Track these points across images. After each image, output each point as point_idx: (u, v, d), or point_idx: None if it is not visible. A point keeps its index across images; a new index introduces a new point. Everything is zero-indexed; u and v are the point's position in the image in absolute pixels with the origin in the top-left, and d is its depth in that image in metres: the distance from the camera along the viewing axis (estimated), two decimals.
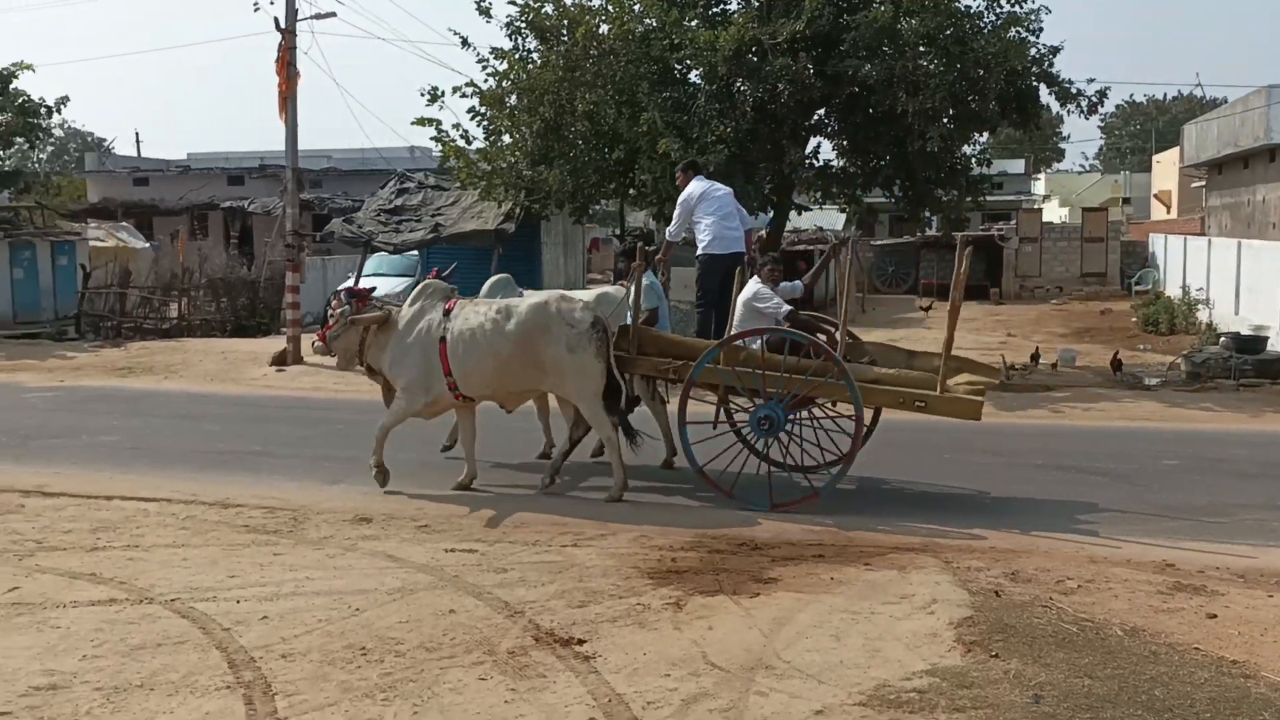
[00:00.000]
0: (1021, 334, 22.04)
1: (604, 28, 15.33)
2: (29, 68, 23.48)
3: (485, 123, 16.34)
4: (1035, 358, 16.82)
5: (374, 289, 9.73)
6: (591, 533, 7.51)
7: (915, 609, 5.75)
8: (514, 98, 16.06)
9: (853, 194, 16.74)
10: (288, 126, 17.48)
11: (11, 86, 23.35)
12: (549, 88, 15.33)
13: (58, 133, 60.62)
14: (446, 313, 8.64)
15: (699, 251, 9.94)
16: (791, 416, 8.40)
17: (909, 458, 9.92)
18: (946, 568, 6.53)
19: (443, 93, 16.18)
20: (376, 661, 5.08)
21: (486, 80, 16.16)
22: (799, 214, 18.17)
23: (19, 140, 25.87)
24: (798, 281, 9.43)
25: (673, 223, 10.13)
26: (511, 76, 15.88)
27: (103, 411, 13.09)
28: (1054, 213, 44.62)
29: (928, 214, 17.42)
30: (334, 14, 18.72)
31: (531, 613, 5.74)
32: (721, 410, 8.90)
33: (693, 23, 15.42)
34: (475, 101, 16.18)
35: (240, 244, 33.25)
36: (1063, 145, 69.11)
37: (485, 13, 16.18)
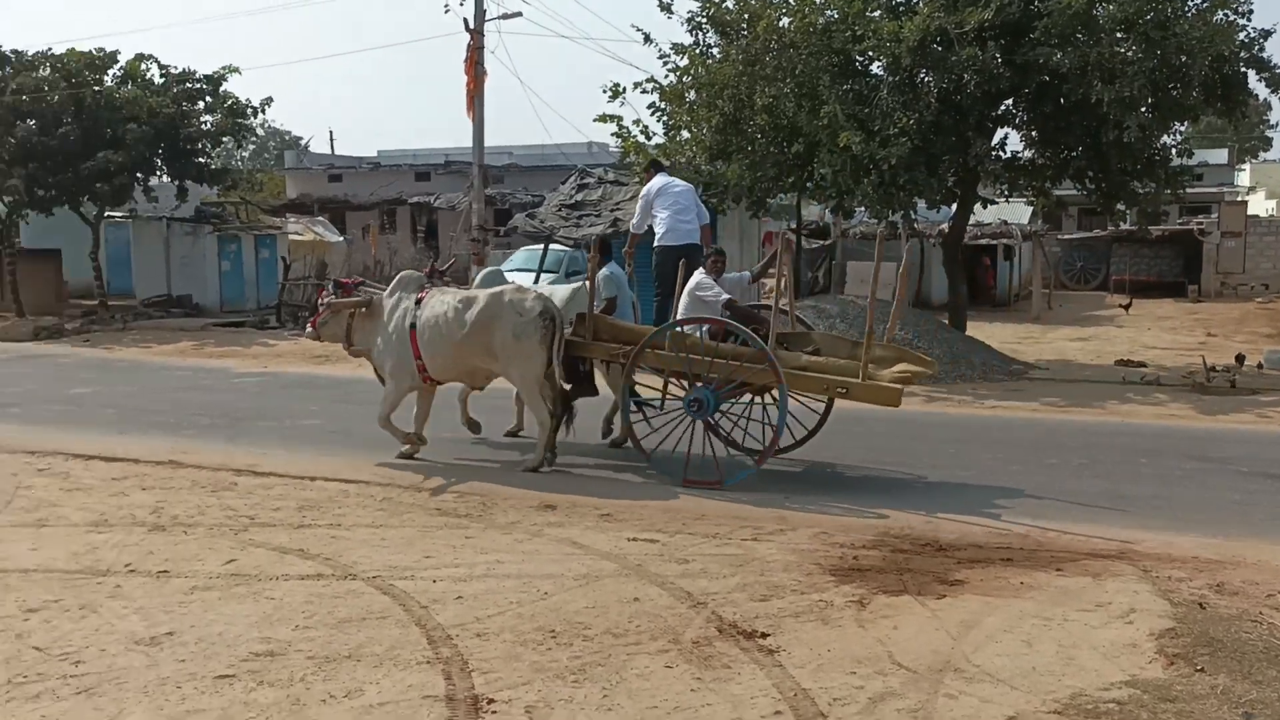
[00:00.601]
0: (1223, 334, 20.84)
1: (785, 21, 15.26)
2: (235, 71, 24.94)
3: (665, 118, 16.50)
4: (1240, 359, 15.90)
5: (361, 280, 10.61)
6: (771, 527, 7.52)
7: (1112, 618, 5.55)
8: (693, 93, 16.16)
9: (1041, 186, 16.19)
10: (475, 124, 18.07)
11: (221, 89, 24.82)
12: (729, 82, 15.36)
13: (259, 132, 64.13)
14: (418, 302, 9.62)
15: (655, 243, 10.65)
16: (731, 402, 9.20)
17: (1103, 461, 9.53)
18: (1145, 576, 6.26)
19: (624, 89, 16.46)
20: (566, 645, 5.23)
21: (667, 76, 16.34)
22: (984, 207, 17.67)
23: (226, 140, 27.54)
24: (745, 272, 10.00)
25: (635, 216, 11.02)
26: (691, 72, 15.99)
27: (304, 397, 13.84)
28: (1260, 205, 41.92)
29: (1122, 207, 16.67)
30: (519, 14, 19.25)
31: (714, 604, 5.79)
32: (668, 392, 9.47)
33: (876, 14, 15.18)
34: (655, 97, 16.37)
35: (426, 238, 34.54)
36: (1270, 134, 64.85)
37: (666, 9, 16.32)
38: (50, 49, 25.24)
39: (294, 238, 28.79)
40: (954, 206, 16.31)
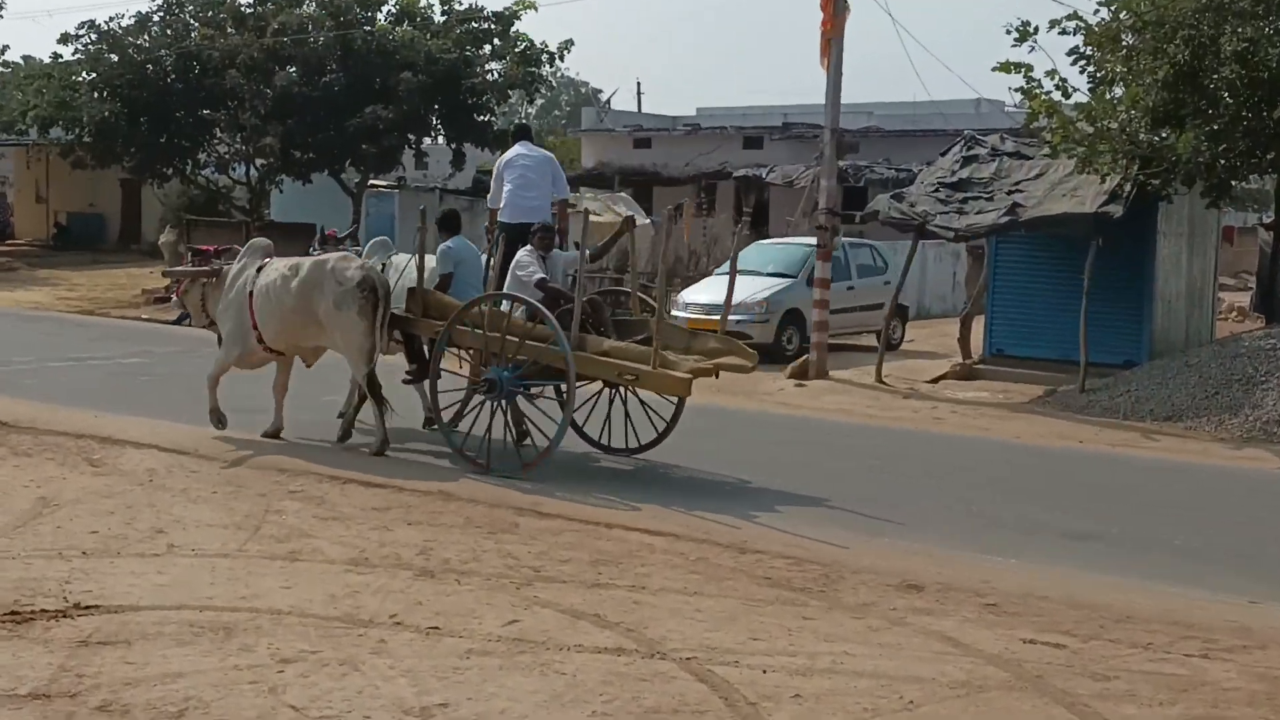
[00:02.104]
0: None
1: None
2: (531, 7, 26.42)
3: (1091, 68, 16.09)
4: None
5: (227, 248, 13.04)
6: (1228, 641, 7.17)
7: None
8: (1133, 34, 15.67)
9: None
10: (829, 75, 18.24)
11: (512, 30, 26.40)
12: (1185, 20, 14.82)
13: (551, 84, 67.44)
14: (260, 269, 11.87)
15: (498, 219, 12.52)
16: (531, 387, 11.48)
17: None
18: None
19: (1035, 29, 16.14)
20: None
21: (1097, 11, 15.94)
22: None
23: (513, 93, 29.26)
24: (576, 252, 11.76)
25: (490, 190, 12.89)
26: (1132, 6, 15.51)
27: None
28: None
29: None
30: None
31: None
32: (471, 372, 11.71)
33: None
34: (1079, 40, 15.98)
35: (755, 222, 35.13)
36: None
37: None
38: None
39: (592, 219, 30.02)
40: None
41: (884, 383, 17.84)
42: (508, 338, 11.02)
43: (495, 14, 26.05)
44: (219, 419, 12.22)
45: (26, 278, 36.44)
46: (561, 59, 26.94)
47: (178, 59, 27.13)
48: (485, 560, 8.37)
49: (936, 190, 18.97)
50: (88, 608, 7.04)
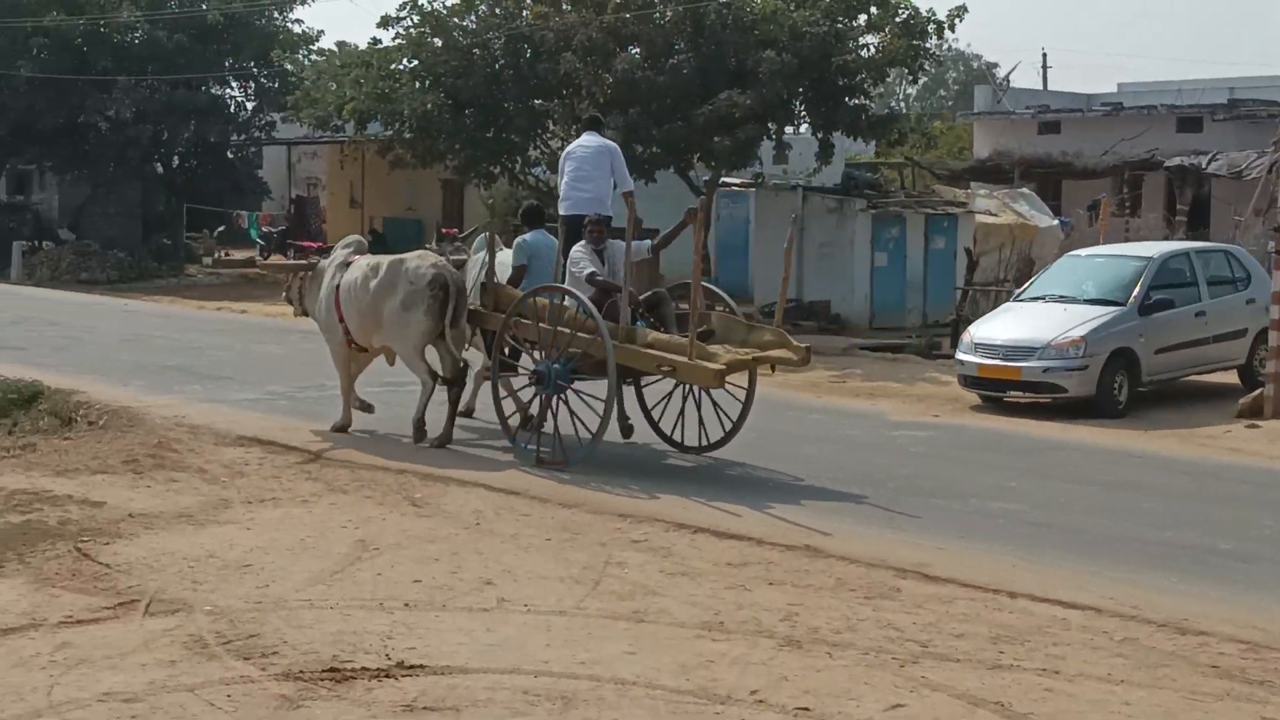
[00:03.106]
0: None
1: None
2: None
3: None
4: None
5: (324, 246, 15.73)
6: None
7: None
8: None
9: None
10: None
11: None
12: None
13: (937, 59, 66.93)
14: (346, 265, 14.37)
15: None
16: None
17: None
18: None
19: None
20: None
21: None
22: None
23: (892, 72, 29.11)
24: (646, 241, 14.30)
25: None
26: None
27: (992, 464, 14.28)
28: None
29: None
30: None
31: None
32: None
33: None
34: None
35: (1190, 223, 33.84)
36: None
37: None
38: None
39: (983, 218, 29.60)
40: None
41: None
42: (558, 330, 13.02)
43: None
44: (345, 428, 14.76)
45: None
46: (952, 29, 26.60)
47: (506, 42, 28.18)
48: (861, 630, 8.38)
49: None
50: (412, 667, 7.44)
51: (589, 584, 9.33)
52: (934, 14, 26.15)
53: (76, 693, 7.04)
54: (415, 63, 29.49)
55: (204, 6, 45.65)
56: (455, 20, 29.19)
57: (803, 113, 27.47)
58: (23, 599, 8.68)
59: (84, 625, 8.17)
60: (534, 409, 13.72)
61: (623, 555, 10.13)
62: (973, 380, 17.94)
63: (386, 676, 7.30)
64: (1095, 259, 19.84)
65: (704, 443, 13.86)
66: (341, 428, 14.74)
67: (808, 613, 8.71)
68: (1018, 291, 19.88)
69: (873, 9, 26.48)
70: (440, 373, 14.12)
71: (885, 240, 28.20)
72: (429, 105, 28.00)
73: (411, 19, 29.27)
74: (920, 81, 63.61)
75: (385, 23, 29.59)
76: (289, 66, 41.12)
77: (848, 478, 13.29)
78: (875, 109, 27.88)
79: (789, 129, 28.03)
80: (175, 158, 47.87)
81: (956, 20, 26.33)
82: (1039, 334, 17.43)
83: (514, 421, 13.91)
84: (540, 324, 13.21)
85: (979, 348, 17.82)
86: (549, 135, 29.61)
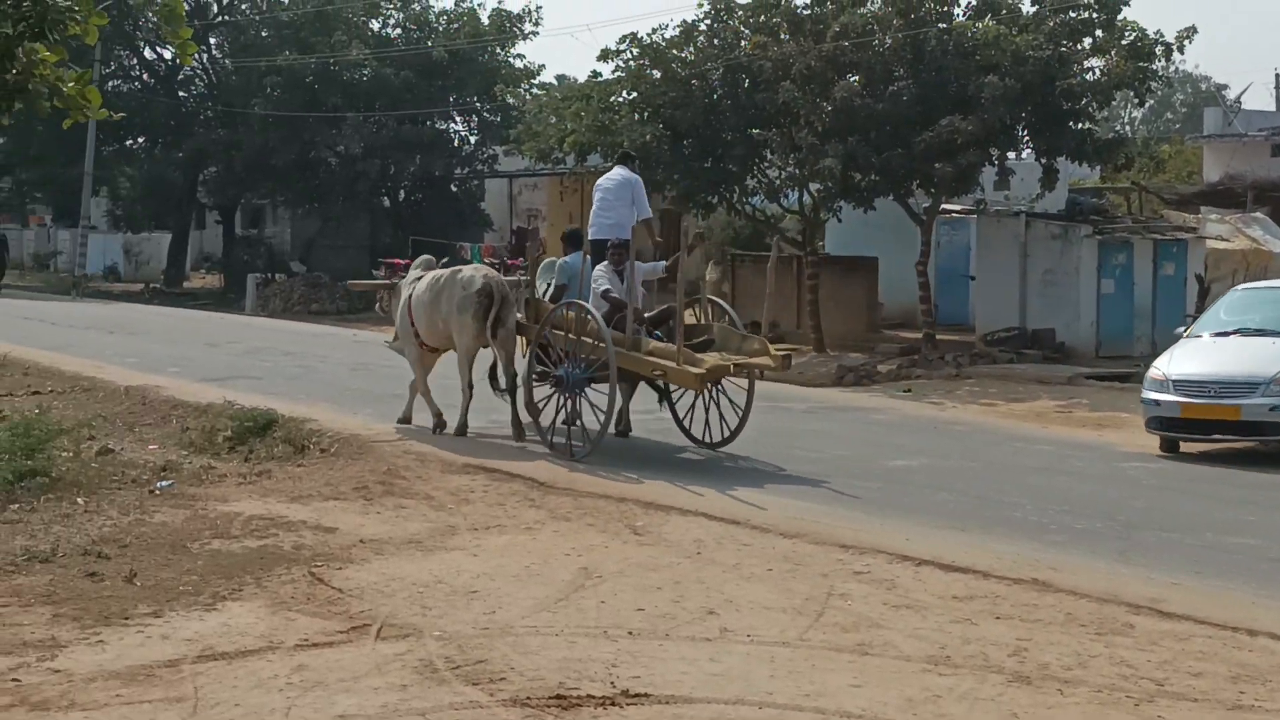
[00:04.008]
0: None
1: None
2: None
3: None
4: None
5: (408, 262, 19.59)
6: None
7: None
8: None
9: None
10: None
11: (1118, 17, 25.76)
12: None
13: (1167, 80, 65.42)
14: (419, 280, 16.63)
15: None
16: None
17: None
18: None
19: None
20: None
21: None
22: None
23: (1118, 95, 28.51)
24: (660, 262, 16.65)
25: None
26: None
27: (1227, 498, 13.95)
28: None
29: None
30: None
31: None
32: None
33: None
34: None
35: None
36: None
37: None
38: None
39: (1214, 244, 28.85)
40: None
41: None
42: (571, 338, 15.22)
43: (1098, 0, 25.48)
44: (440, 424, 16.51)
45: None
46: (1180, 51, 25.94)
47: (724, 72, 28.31)
48: (1093, 667, 8.20)
49: None
50: (637, 696, 7.46)
51: (812, 615, 9.28)
52: (1162, 36, 25.54)
53: (313, 714, 7.21)
54: (634, 95, 29.74)
55: (429, 44, 46.79)
56: (674, 52, 29.36)
57: (1025, 138, 27.03)
58: (260, 622, 8.93)
59: (319, 648, 8.36)
60: (547, 410, 15.66)
61: (845, 587, 10.04)
62: (1171, 422, 16.21)
63: (612, 704, 7.33)
64: (1272, 290, 18.44)
65: (715, 439, 15.73)
66: (438, 425, 16.49)
67: (1037, 648, 8.55)
68: (1192, 325, 18.43)
69: (1098, 32, 25.98)
70: (498, 384, 16.37)
71: (1112, 267, 27.67)
72: (648, 136, 28.17)
73: (630, 52, 29.54)
74: (1146, 104, 62.33)
75: (605, 56, 29.88)
76: (511, 101, 41.87)
77: (1076, 510, 13.08)
78: (1101, 133, 27.27)
79: (1010, 155, 27.55)
80: (401, 191, 49.11)
81: (1185, 42, 25.68)
82: (1259, 368, 15.87)
83: (544, 421, 15.65)
84: (563, 333, 15.41)
85: (1179, 385, 16.07)
86: (766, 165, 29.64)
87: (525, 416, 15.96)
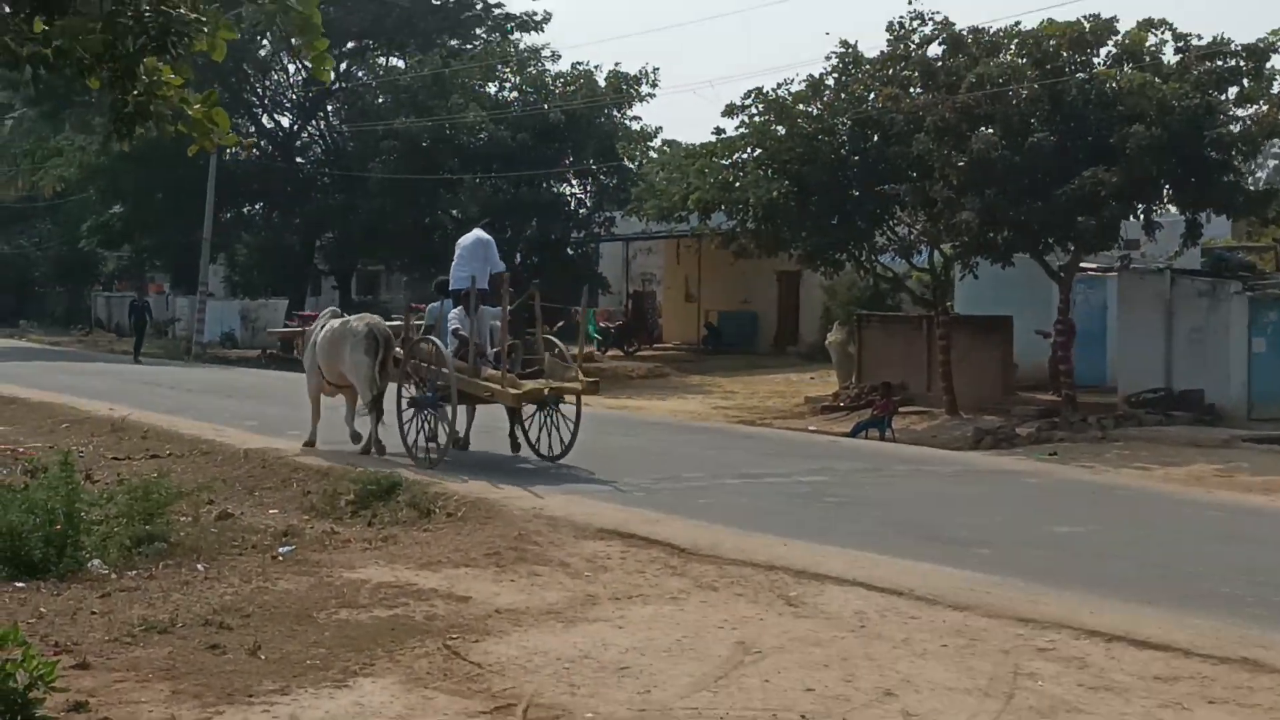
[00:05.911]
0: None
1: None
2: None
3: None
4: None
5: (314, 314, 24.86)
6: None
7: None
8: None
9: None
10: None
11: (1267, 66, 24.74)
12: None
13: None
14: (323, 328, 19.54)
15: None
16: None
17: None
18: None
19: None
20: None
21: None
22: None
23: (1266, 146, 27.46)
24: (498, 309, 18.63)
25: None
26: None
27: None
28: None
29: None
30: None
31: None
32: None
33: None
34: None
35: None
36: None
37: None
38: (1019, 22, 27.25)
39: None
40: None
41: None
42: (425, 366, 18.31)
43: (1245, 47, 24.35)
44: (310, 439, 19.44)
45: (678, 384, 38.63)
46: None
47: (853, 126, 27.58)
48: None
49: None
50: None
51: (1001, 697, 8.37)
52: None
53: None
54: (759, 151, 29.06)
55: (545, 106, 46.44)
56: (800, 106, 28.67)
57: (1169, 189, 25.94)
58: (396, 700, 8.14)
59: None
60: (412, 429, 18.16)
61: (1032, 665, 9.12)
62: None
63: None
64: None
65: (553, 452, 18.32)
66: (310, 443, 19.34)
67: None
68: None
69: (1245, 81, 24.91)
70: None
71: (1264, 325, 26.45)
72: (774, 193, 27.50)
73: (756, 107, 28.91)
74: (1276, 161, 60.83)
75: (730, 111, 29.30)
76: (628, 162, 41.37)
77: (1268, 580, 12.02)
78: (1251, 185, 26.16)
79: (1156, 209, 26.45)
80: (518, 255, 48.68)
81: None
82: None
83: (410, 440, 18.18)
84: (422, 363, 18.43)
85: None
86: (895, 221, 28.81)
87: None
